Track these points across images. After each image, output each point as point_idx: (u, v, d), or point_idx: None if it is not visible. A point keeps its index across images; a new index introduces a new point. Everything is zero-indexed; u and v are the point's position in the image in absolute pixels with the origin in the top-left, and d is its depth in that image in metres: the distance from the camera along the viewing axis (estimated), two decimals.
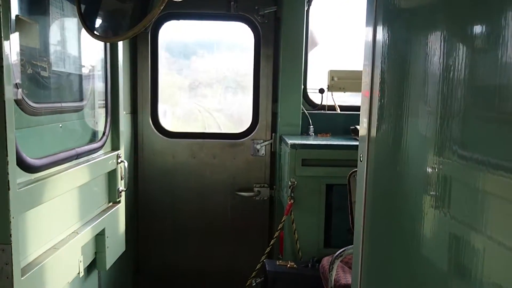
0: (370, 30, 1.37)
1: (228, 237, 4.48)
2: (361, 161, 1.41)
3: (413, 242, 1.11)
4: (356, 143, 1.51)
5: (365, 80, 1.38)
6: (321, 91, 4.30)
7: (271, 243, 3.76)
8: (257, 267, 3.72)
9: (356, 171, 1.51)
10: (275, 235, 3.71)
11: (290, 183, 3.50)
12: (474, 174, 0.86)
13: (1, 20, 1.65)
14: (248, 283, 3.78)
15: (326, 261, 2.95)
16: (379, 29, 1.33)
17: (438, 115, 0.99)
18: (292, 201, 3.48)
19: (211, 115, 4.78)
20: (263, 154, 4.39)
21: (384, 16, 1.31)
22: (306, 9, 4.12)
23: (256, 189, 4.40)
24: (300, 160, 3.52)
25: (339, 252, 2.54)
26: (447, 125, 0.96)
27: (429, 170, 1.03)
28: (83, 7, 1.82)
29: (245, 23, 4.28)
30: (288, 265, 3.31)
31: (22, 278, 1.85)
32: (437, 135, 1.00)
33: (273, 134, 4.35)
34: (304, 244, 3.55)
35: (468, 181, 0.89)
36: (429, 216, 1.03)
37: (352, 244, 1.56)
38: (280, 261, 3.41)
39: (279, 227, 3.63)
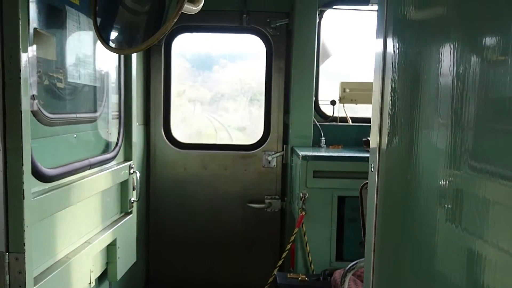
0: (380, 41, 1.37)
1: (239, 249, 4.46)
2: (372, 171, 1.40)
3: (426, 255, 1.09)
4: (368, 155, 1.50)
5: (376, 91, 1.38)
6: (333, 102, 4.29)
7: (283, 256, 3.72)
8: (269, 281, 3.69)
9: (368, 183, 1.50)
10: (287, 248, 3.68)
11: (301, 195, 3.48)
12: (487, 186, 0.85)
13: (20, 33, 1.70)
14: None
15: (338, 274, 2.92)
16: (390, 41, 1.33)
17: (450, 126, 0.99)
18: (303, 213, 3.46)
19: (224, 128, 4.80)
20: (274, 165, 4.38)
21: (394, 27, 1.31)
22: (317, 21, 4.14)
23: (267, 201, 4.38)
24: (312, 172, 3.50)
25: (351, 265, 2.50)
26: (459, 136, 0.95)
27: (441, 181, 1.02)
28: (99, 20, 1.87)
29: (257, 35, 4.32)
30: (300, 278, 3.27)
31: (34, 287, 1.86)
32: (449, 146, 0.99)
33: (284, 145, 4.35)
34: (315, 256, 3.51)
35: (482, 193, 0.88)
36: (442, 228, 1.02)
37: (364, 257, 1.54)
38: (291, 274, 3.38)
39: (290, 240, 3.60)
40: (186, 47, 4.54)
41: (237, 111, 4.70)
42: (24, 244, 1.76)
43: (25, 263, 1.77)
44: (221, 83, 4.67)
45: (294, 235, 3.54)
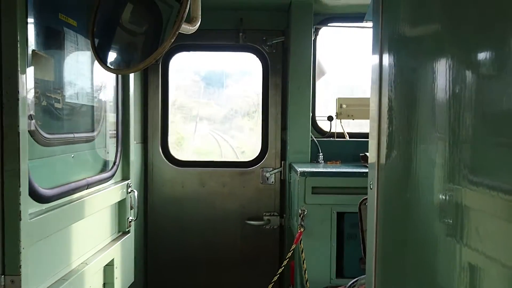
0: (376, 58, 1.39)
1: (238, 267, 4.40)
2: (371, 188, 1.40)
3: (427, 272, 1.08)
4: (366, 170, 1.50)
5: (373, 107, 1.39)
6: (330, 118, 4.31)
7: (279, 272, 3.68)
8: None
9: (366, 198, 1.50)
10: (283, 264, 3.64)
11: (300, 211, 3.46)
12: (486, 200, 0.85)
13: (19, 55, 1.71)
14: None
15: None
16: (385, 57, 1.34)
17: (448, 142, 0.99)
18: (302, 229, 3.44)
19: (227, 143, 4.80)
20: (272, 182, 4.37)
21: (390, 44, 1.33)
22: (313, 38, 4.20)
23: (266, 217, 4.36)
24: (310, 188, 3.49)
25: (351, 282, 2.48)
26: (457, 151, 0.96)
27: (441, 196, 1.02)
28: (96, 41, 1.89)
29: (254, 53, 4.37)
30: None
31: None
32: (447, 161, 1.00)
33: (282, 162, 4.34)
34: (315, 273, 3.47)
35: (481, 208, 0.88)
36: (442, 244, 1.01)
37: (365, 273, 1.53)
38: None
39: (287, 256, 3.56)
40: (184, 65, 4.58)
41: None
42: (20, 266, 1.74)
43: (21, 285, 1.74)
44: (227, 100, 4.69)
45: (291, 252, 3.51)
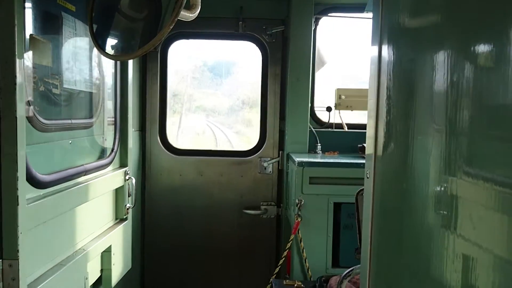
0: (375, 48, 1.38)
1: (234, 255, 4.44)
2: (367, 178, 1.41)
3: (421, 261, 1.09)
4: (364, 161, 1.51)
5: (371, 98, 1.39)
6: (329, 109, 4.31)
7: (280, 263, 3.71)
8: None
9: (363, 189, 1.51)
10: (283, 255, 3.67)
11: (297, 201, 3.48)
12: (481, 191, 0.86)
13: (16, 40, 1.70)
14: None
15: (334, 281, 2.91)
16: (385, 48, 1.34)
17: (445, 133, 0.99)
18: (299, 219, 3.46)
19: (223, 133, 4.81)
20: (270, 172, 4.38)
21: (389, 34, 1.33)
22: (313, 28, 4.17)
23: (263, 207, 4.38)
24: (308, 178, 3.50)
25: (347, 271, 2.50)
26: (454, 142, 0.96)
27: (436, 187, 1.03)
28: (95, 26, 1.87)
29: (253, 42, 4.34)
30: (295, 285, 3.26)
31: None
32: (443, 152, 1.00)
33: (280, 152, 4.35)
34: (311, 263, 3.50)
35: (476, 199, 0.89)
36: (437, 234, 1.02)
37: (360, 263, 1.54)
38: (287, 281, 3.37)
39: (287, 247, 3.59)
40: (182, 53, 4.56)
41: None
42: (18, 250, 1.75)
43: (19, 269, 1.75)
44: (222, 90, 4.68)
45: (291, 242, 3.53)
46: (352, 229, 3.44)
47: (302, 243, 3.48)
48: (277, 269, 3.72)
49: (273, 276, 3.69)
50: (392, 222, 1.31)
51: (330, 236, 3.52)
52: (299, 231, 3.48)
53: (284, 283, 3.31)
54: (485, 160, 0.87)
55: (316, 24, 4.28)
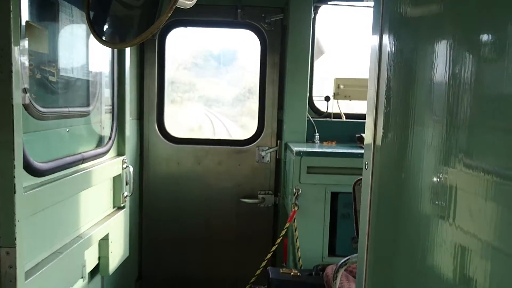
0: (376, 38, 1.37)
1: (232, 244, 4.46)
2: (366, 169, 1.41)
3: (418, 252, 1.10)
4: (362, 151, 1.50)
5: (371, 88, 1.38)
6: (327, 98, 4.30)
7: (272, 249, 3.74)
8: (257, 273, 3.70)
9: (361, 179, 1.51)
10: (277, 242, 3.70)
11: (294, 190, 3.49)
12: (480, 183, 0.86)
13: (12, 26, 1.68)
14: None
15: (330, 269, 2.93)
16: (385, 37, 1.33)
17: (445, 124, 0.99)
18: (296, 208, 3.47)
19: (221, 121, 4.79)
20: (268, 161, 4.39)
21: (390, 24, 1.31)
22: (312, 17, 4.13)
23: (260, 196, 4.39)
24: (305, 167, 3.51)
25: (343, 260, 2.52)
26: (454, 133, 0.96)
27: (435, 179, 1.03)
28: (91, 13, 1.85)
29: (252, 30, 4.31)
30: (292, 273, 3.28)
31: (25, 282, 1.85)
32: (443, 143, 1.00)
33: (278, 141, 4.35)
34: (308, 252, 3.53)
35: (475, 191, 0.89)
36: (435, 225, 1.02)
37: (356, 252, 1.55)
38: (283, 269, 3.39)
39: (281, 234, 3.61)
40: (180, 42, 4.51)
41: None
42: (15, 238, 1.75)
43: (16, 257, 1.76)
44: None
45: (285, 230, 3.55)
46: (348, 219, 3.46)
47: (297, 232, 3.50)
48: (269, 255, 3.74)
49: (264, 262, 3.71)
50: (389, 212, 1.31)
51: (326, 225, 3.54)
52: (295, 220, 3.49)
53: (281, 271, 3.34)
54: (484, 151, 0.87)
55: (316, 13, 4.24)
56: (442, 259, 0.99)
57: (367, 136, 1.42)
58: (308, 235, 3.53)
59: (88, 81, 2.78)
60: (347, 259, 2.52)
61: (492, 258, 0.83)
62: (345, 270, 2.65)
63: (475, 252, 0.87)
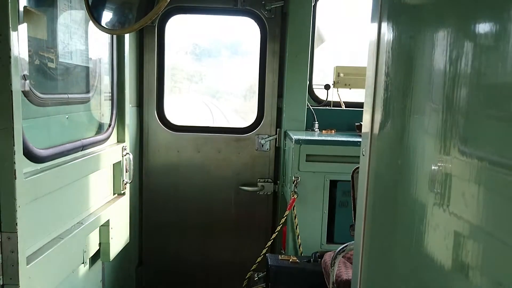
0: (375, 26, 1.37)
1: (231, 231, 4.50)
2: (363, 155, 1.41)
3: (414, 239, 1.11)
4: (361, 139, 1.51)
5: (369, 75, 1.38)
6: (327, 87, 4.29)
7: (272, 237, 3.77)
8: (257, 260, 3.74)
9: (359, 167, 1.52)
10: (277, 230, 3.73)
11: (294, 178, 3.51)
12: (477, 171, 0.87)
13: (10, 11, 1.67)
14: (248, 276, 3.80)
15: (328, 256, 2.97)
16: (384, 25, 1.33)
17: (442, 112, 0.99)
18: (295, 196, 3.49)
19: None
20: (267, 149, 4.40)
21: (389, 12, 1.31)
22: (313, 4, 4.10)
23: (260, 184, 4.41)
24: (305, 155, 3.52)
25: (341, 247, 2.55)
26: (451, 121, 0.96)
27: (432, 166, 1.03)
28: None
29: (252, 18, 4.27)
30: (290, 260, 3.32)
31: (27, 266, 1.88)
32: (440, 131, 1.00)
33: (277, 129, 4.35)
34: (306, 239, 3.56)
35: (471, 179, 0.90)
36: (431, 212, 1.04)
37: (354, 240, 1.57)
38: (282, 256, 3.43)
39: (280, 222, 3.64)
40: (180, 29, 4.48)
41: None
42: (16, 223, 1.77)
43: (17, 242, 1.77)
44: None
45: (285, 218, 3.58)
46: (347, 207, 3.49)
47: (296, 219, 3.53)
48: (270, 243, 3.78)
49: (266, 250, 3.76)
50: (386, 199, 1.33)
51: (325, 213, 3.57)
52: (295, 208, 3.52)
53: (279, 258, 3.38)
54: (480, 139, 0.88)
55: (316, 0, 4.20)
56: (438, 245, 1.01)
57: (365, 124, 1.42)
58: (307, 222, 3.56)
59: (87, 67, 2.78)
60: (345, 246, 2.54)
61: (487, 245, 0.84)
62: (343, 257, 2.68)
63: (470, 238, 0.89)
